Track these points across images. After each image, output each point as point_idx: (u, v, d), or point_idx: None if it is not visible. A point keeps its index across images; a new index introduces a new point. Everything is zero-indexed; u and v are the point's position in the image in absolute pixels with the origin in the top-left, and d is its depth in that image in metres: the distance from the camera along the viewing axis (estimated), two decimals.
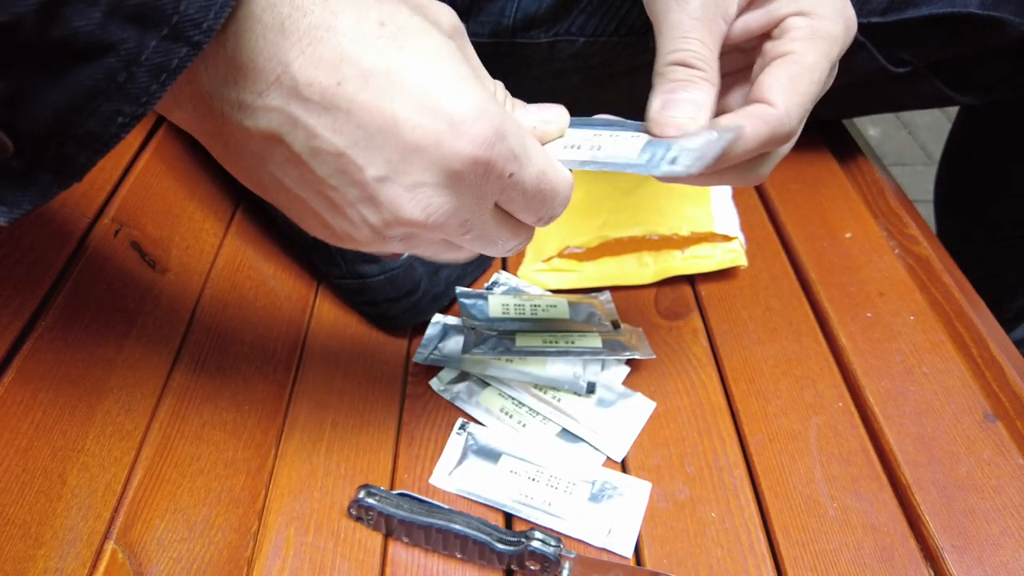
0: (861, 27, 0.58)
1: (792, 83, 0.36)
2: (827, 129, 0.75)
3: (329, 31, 0.26)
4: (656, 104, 0.36)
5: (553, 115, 0.34)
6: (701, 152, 0.33)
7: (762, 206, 0.68)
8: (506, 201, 0.31)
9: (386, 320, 0.58)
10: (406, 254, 0.33)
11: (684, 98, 0.35)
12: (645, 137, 0.35)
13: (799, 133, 0.38)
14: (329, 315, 0.58)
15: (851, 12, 0.38)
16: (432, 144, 0.28)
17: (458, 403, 0.53)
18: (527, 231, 0.34)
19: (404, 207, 0.29)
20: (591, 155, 0.34)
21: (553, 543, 0.42)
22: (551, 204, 0.32)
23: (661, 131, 0.35)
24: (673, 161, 0.33)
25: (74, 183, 0.25)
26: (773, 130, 0.35)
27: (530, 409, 0.52)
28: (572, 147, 0.34)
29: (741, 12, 0.38)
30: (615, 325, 0.56)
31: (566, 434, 0.51)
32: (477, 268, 0.63)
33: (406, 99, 0.27)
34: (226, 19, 0.24)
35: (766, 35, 0.38)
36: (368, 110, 0.27)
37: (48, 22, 0.22)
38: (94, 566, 0.36)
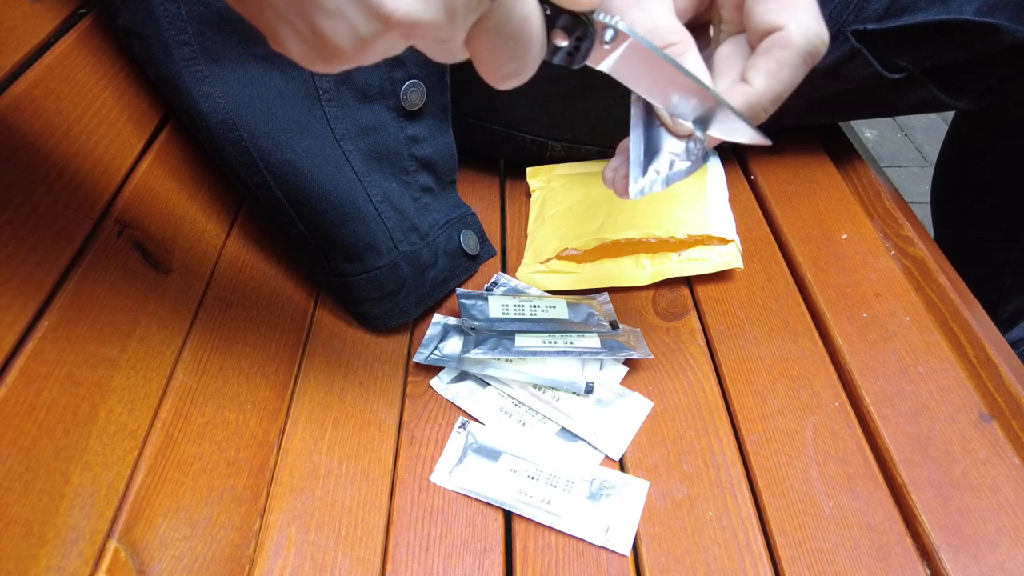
0: (857, 33, 0.59)
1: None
2: (823, 131, 0.75)
3: None
4: None
5: None
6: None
7: (759, 207, 0.69)
8: (481, 31, 0.30)
9: (368, 319, 0.57)
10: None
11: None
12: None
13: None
14: (331, 315, 0.58)
15: None
16: None
17: (458, 402, 0.53)
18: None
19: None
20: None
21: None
22: (524, 54, 0.31)
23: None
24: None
25: None
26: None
27: (529, 408, 0.53)
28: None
29: None
30: (613, 325, 0.56)
31: (565, 433, 0.51)
32: (464, 272, 0.63)
33: None
34: None
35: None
36: None
37: None
38: (97, 564, 0.36)
